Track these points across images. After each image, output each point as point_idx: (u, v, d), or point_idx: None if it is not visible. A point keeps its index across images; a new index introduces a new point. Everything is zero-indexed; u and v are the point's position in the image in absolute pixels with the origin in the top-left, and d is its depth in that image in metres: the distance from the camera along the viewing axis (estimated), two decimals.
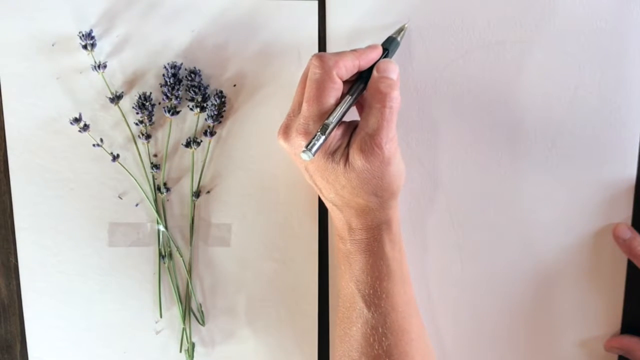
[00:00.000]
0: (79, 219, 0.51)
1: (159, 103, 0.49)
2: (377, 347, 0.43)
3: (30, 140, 0.50)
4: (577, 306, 0.51)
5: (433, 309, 0.51)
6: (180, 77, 0.48)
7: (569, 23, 0.48)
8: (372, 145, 0.40)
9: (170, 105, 0.48)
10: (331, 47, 0.49)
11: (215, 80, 0.49)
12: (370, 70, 0.43)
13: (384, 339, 0.43)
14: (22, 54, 0.49)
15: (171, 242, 0.51)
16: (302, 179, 0.49)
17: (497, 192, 0.50)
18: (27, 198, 0.50)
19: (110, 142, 0.50)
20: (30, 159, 0.50)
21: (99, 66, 0.48)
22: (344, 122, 0.43)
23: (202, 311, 0.52)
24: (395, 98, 0.41)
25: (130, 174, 0.50)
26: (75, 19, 0.48)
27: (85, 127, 0.49)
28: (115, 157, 0.49)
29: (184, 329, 0.51)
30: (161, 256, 0.51)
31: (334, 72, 0.41)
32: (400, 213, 0.47)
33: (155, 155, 0.50)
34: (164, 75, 0.48)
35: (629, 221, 0.50)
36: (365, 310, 0.43)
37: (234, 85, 0.49)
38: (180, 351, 0.52)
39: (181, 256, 0.51)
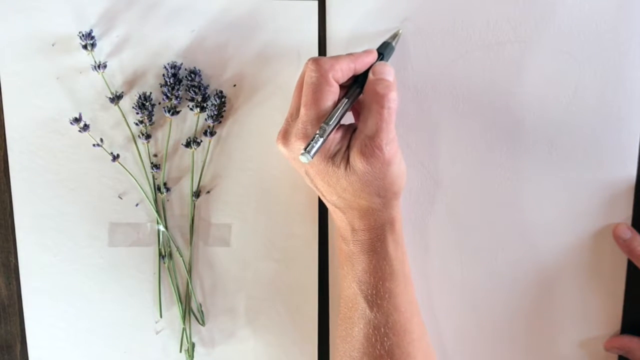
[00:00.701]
0: (79, 219, 0.51)
1: (159, 103, 0.49)
2: (379, 347, 0.43)
3: (30, 140, 0.50)
4: (577, 306, 0.51)
5: (434, 308, 0.51)
6: (180, 77, 0.48)
7: (569, 23, 0.48)
8: (372, 148, 0.40)
9: (170, 105, 0.48)
10: (331, 47, 0.49)
11: (215, 80, 0.49)
12: (365, 74, 0.43)
13: (385, 339, 0.43)
14: (22, 54, 0.49)
15: (171, 242, 0.51)
16: (302, 178, 0.49)
17: (497, 192, 0.50)
18: (27, 198, 0.50)
19: (110, 142, 0.50)
20: (30, 159, 0.50)
21: (99, 66, 0.48)
22: (343, 125, 0.43)
23: (202, 311, 0.52)
24: (393, 99, 0.41)
25: (130, 174, 0.50)
26: (75, 19, 0.48)
27: (85, 127, 0.49)
28: (115, 157, 0.49)
29: (184, 329, 0.51)
30: (161, 256, 0.51)
31: (330, 75, 0.41)
32: (401, 213, 0.47)
33: (155, 155, 0.50)
34: (164, 75, 0.48)
35: (629, 221, 0.50)
36: (368, 311, 0.43)
37: (234, 85, 0.49)
38: (180, 351, 0.52)
39: (181, 256, 0.51)
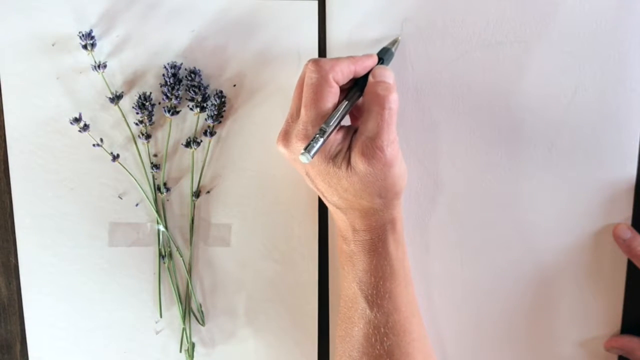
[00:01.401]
0: (79, 219, 0.51)
1: (159, 103, 0.49)
2: (378, 347, 0.43)
3: (30, 140, 0.50)
4: (577, 306, 0.51)
5: (434, 308, 0.51)
6: (180, 77, 0.48)
7: (569, 23, 0.48)
8: (373, 149, 0.40)
9: (170, 105, 0.48)
10: (331, 47, 0.49)
11: (215, 80, 0.49)
12: (365, 78, 0.44)
13: (385, 339, 0.43)
14: (22, 53, 0.49)
15: (171, 242, 0.51)
16: (302, 179, 0.49)
17: (497, 191, 0.50)
18: (27, 198, 0.50)
19: (110, 142, 0.50)
20: (30, 159, 0.50)
21: (99, 66, 0.48)
22: (344, 126, 0.43)
23: (202, 311, 0.52)
24: (394, 100, 0.41)
25: (130, 174, 0.50)
26: (75, 19, 0.48)
27: (85, 127, 0.49)
28: (115, 157, 0.49)
29: (184, 329, 0.51)
30: (161, 256, 0.51)
31: (331, 76, 0.41)
32: (402, 213, 0.47)
33: (155, 155, 0.50)
34: (164, 75, 0.48)
35: (629, 221, 0.50)
36: (368, 311, 0.43)
37: (234, 85, 0.49)
38: (180, 351, 0.52)
39: (181, 256, 0.51)
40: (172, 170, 0.50)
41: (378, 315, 0.43)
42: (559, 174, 0.50)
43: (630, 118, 0.49)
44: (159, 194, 0.50)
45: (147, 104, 0.48)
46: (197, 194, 0.50)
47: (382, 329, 0.43)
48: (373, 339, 0.43)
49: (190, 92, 0.48)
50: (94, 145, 0.49)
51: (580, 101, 0.49)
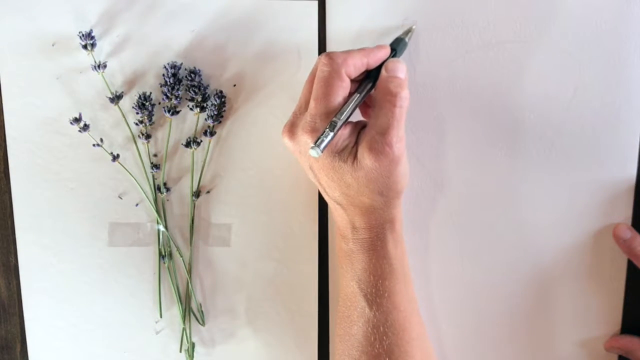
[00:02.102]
0: (79, 219, 0.51)
1: (159, 103, 0.49)
2: (377, 346, 0.43)
3: (30, 140, 0.50)
4: (577, 306, 0.51)
5: (433, 308, 0.51)
6: (180, 77, 0.48)
7: (569, 23, 0.48)
8: (382, 144, 0.40)
9: (170, 105, 0.48)
10: (331, 47, 0.49)
11: (215, 80, 0.49)
12: (378, 69, 0.43)
13: (384, 337, 0.43)
14: (22, 54, 0.49)
15: (171, 242, 0.51)
16: (302, 178, 0.49)
17: (498, 191, 0.50)
18: (27, 198, 0.50)
19: (110, 142, 0.50)
20: (30, 159, 0.50)
21: (99, 66, 0.48)
22: (351, 121, 0.43)
23: (202, 311, 0.52)
24: (405, 97, 0.41)
25: (130, 174, 0.50)
26: (75, 19, 0.48)
27: (85, 127, 0.49)
28: (115, 157, 0.49)
29: (184, 329, 0.51)
30: (161, 256, 0.51)
31: (343, 70, 0.41)
32: (402, 212, 0.47)
33: (155, 155, 0.50)
34: (163, 75, 0.48)
35: (629, 221, 0.50)
36: (367, 309, 0.43)
37: (234, 85, 0.49)
38: (180, 351, 0.52)
39: (181, 256, 0.51)
40: (172, 170, 0.50)
41: (377, 314, 0.43)
42: (559, 174, 0.50)
43: (630, 118, 0.49)
44: (159, 194, 0.50)
45: (147, 104, 0.48)
46: (197, 194, 0.50)
47: (381, 327, 0.43)
48: (372, 338, 0.43)
49: (190, 92, 0.48)
50: (94, 145, 0.49)
51: (580, 101, 0.49)
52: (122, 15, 0.48)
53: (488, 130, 0.49)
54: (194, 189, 0.50)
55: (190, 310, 0.51)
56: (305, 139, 0.41)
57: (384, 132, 0.40)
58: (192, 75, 0.48)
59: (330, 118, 0.40)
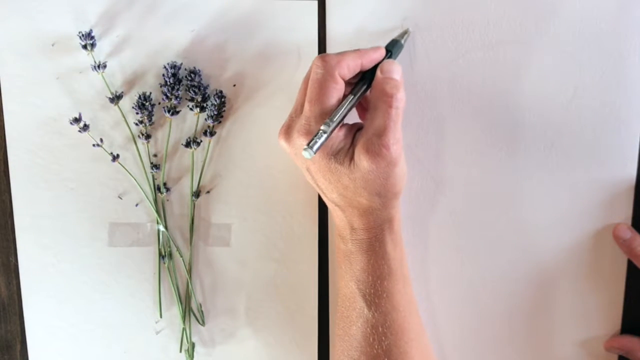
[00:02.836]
0: (79, 219, 0.51)
1: (159, 103, 0.49)
2: (376, 347, 0.43)
3: (30, 140, 0.50)
4: (577, 306, 0.51)
5: (433, 308, 0.51)
6: (180, 77, 0.48)
7: (569, 23, 0.48)
8: (379, 146, 0.40)
9: (170, 105, 0.48)
10: (331, 46, 0.49)
11: (215, 80, 0.49)
12: (373, 71, 0.43)
13: (383, 338, 0.43)
14: (22, 54, 0.49)
15: (171, 242, 0.51)
16: (302, 178, 0.49)
17: (497, 191, 0.50)
18: (27, 198, 0.50)
19: (110, 142, 0.50)
20: (30, 159, 0.50)
21: (98, 66, 0.48)
22: (347, 123, 0.43)
23: (202, 311, 0.52)
24: (401, 98, 0.41)
25: (130, 174, 0.50)
26: (75, 19, 0.48)
27: (85, 127, 0.49)
28: (115, 157, 0.49)
29: (184, 329, 0.51)
30: (161, 256, 0.51)
31: (336, 72, 0.41)
32: (400, 213, 0.47)
33: (155, 155, 0.50)
34: (163, 75, 0.48)
35: (629, 221, 0.50)
36: (366, 310, 0.43)
37: (234, 85, 0.49)
38: (180, 351, 0.52)
39: (181, 256, 0.51)
40: (172, 170, 0.50)
41: (376, 314, 0.43)
42: (559, 174, 0.50)
43: (630, 118, 0.49)
44: (159, 194, 0.50)
45: (147, 104, 0.48)
46: (197, 194, 0.50)
47: (380, 328, 0.43)
48: (371, 338, 0.43)
49: (190, 92, 0.48)
50: (94, 145, 0.49)
51: (580, 101, 0.49)
52: (122, 15, 0.48)
53: (488, 130, 0.49)
54: (194, 189, 0.50)
55: (190, 310, 0.51)
56: (300, 142, 0.41)
57: (381, 134, 0.40)
58: (192, 75, 0.48)
59: (324, 120, 0.40)
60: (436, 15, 0.48)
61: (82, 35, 0.48)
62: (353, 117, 0.47)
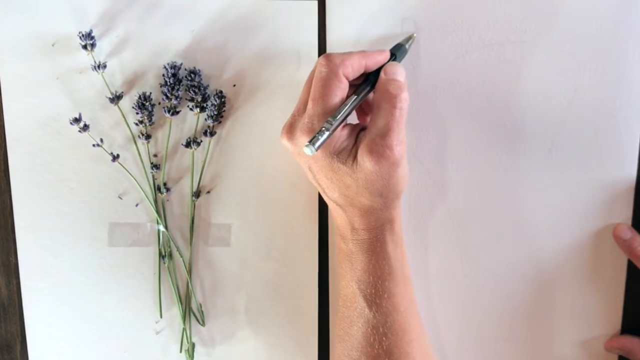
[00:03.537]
0: (79, 219, 0.51)
1: (159, 103, 0.49)
2: (377, 347, 0.43)
3: (30, 140, 0.50)
4: (577, 306, 0.51)
5: (433, 308, 0.51)
6: (180, 77, 0.48)
7: (569, 23, 0.48)
8: (383, 147, 0.40)
9: (170, 105, 0.48)
10: (331, 46, 0.49)
11: (215, 80, 0.49)
12: (376, 73, 0.43)
13: (384, 338, 0.43)
14: (22, 54, 0.49)
15: (171, 242, 0.51)
16: (302, 178, 0.49)
17: (498, 191, 0.50)
18: (27, 198, 0.50)
19: (110, 142, 0.50)
20: (30, 159, 0.50)
21: (98, 66, 0.48)
22: (350, 123, 0.43)
23: (202, 311, 0.52)
24: (405, 99, 0.41)
25: (130, 174, 0.50)
26: (75, 19, 0.48)
27: (85, 127, 0.49)
28: (115, 157, 0.49)
29: (184, 329, 0.51)
30: (161, 256, 0.51)
31: (340, 71, 0.41)
32: (401, 213, 0.47)
33: (155, 155, 0.50)
34: (163, 75, 0.48)
35: (629, 221, 0.50)
36: (367, 310, 0.43)
37: (234, 85, 0.49)
38: (180, 351, 0.52)
39: (181, 256, 0.51)
40: (172, 170, 0.50)
41: (377, 314, 0.43)
42: (559, 174, 0.50)
43: (630, 118, 0.49)
44: (159, 194, 0.50)
45: (147, 104, 0.48)
46: (197, 194, 0.50)
47: (380, 328, 0.43)
48: (372, 339, 0.43)
49: (190, 92, 0.48)
50: (94, 145, 0.49)
51: (580, 101, 0.49)
52: (122, 15, 0.48)
53: (488, 130, 0.49)
54: (194, 189, 0.50)
55: (190, 311, 0.51)
56: (303, 140, 0.41)
57: (384, 135, 0.40)
58: (192, 76, 0.48)
59: (327, 118, 0.40)
60: (436, 16, 0.48)
61: (82, 35, 0.48)
62: (354, 120, 0.47)
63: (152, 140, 0.50)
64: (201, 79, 0.49)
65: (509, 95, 0.49)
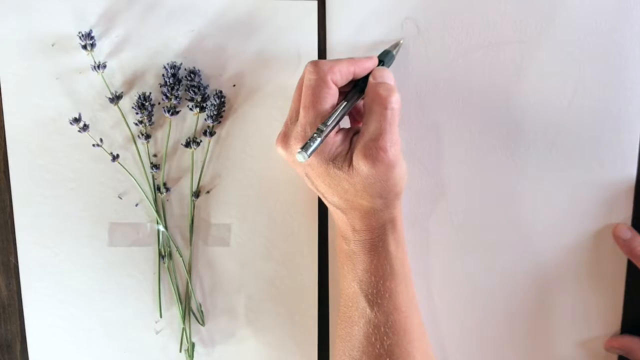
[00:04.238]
0: (79, 219, 0.51)
1: (159, 103, 0.49)
2: (378, 347, 0.43)
3: (30, 140, 0.50)
4: (577, 306, 0.51)
5: (434, 308, 0.51)
6: (180, 77, 0.48)
7: (569, 23, 0.48)
8: (376, 150, 0.40)
9: (170, 105, 0.48)
10: (331, 47, 0.49)
11: (215, 80, 0.49)
12: (365, 79, 0.43)
13: (385, 338, 0.43)
14: (22, 54, 0.49)
15: (171, 242, 0.51)
16: (302, 179, 0.49)
17: (497, 191, 0.50)
18: (27, 198, 0.50)
19: (110, 142, 0.50)
20: (30, 159, 0.50)
21: (98, 66, 0.48)
22: (344, 128, 0.43)
23: (202, 311, 0.52)
24: (396, 100, 0.41)
25: (130, 174, 0.50)
26: (75, 19, 0.48)
27: (85, 127, 0.49)
28: (115, 157, 0.49)
29: (184, 329, 0.51)
30: (161, 256, 0.51)
31: (329, 78, 0.41)
32: (402, 213, 0.47)
33: (155, 155, 0.50)
34: (163, 75, 0.48)
35: (629, 221, 0.50)
36: (368, 310, 0.43)
37: (234, 86, 0.49)
38: (180, 351, 0.52)
39: (181, 256, 0.51)
40: (172, 170, 0.50)
41: (378, 314, 0.43)
42: (559, 174, 0.50)
43: (630, 118, 0.49)
44: (159, 194, 0.50)
45: (146, 104, 0.48)
46: (197, 194, 0.50)
47: (382, 328, 0.43)
48: (373, 338, 0.43)
49: (189, 92, 0.48)
50: (93, 145, 0.49)
51: (580, 101, 0.49)
52: (121, 15, 0.48)
53: (488, 130, 0.49)
54: (194, 189, 0.50)
55: (190, 310, 0.51)
56: (297, 148, 0.41)
57: (377, 138, 0.40)
58: (192, 76, 0.48)
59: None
60: (436, 15, 0.48)
61: (82, 35, 0.48)
62: (345, 125, 0.47)
63: (151, 140, 0.50)
64: (201, 79, 0.49)
65: (509, 95, 0.49)
